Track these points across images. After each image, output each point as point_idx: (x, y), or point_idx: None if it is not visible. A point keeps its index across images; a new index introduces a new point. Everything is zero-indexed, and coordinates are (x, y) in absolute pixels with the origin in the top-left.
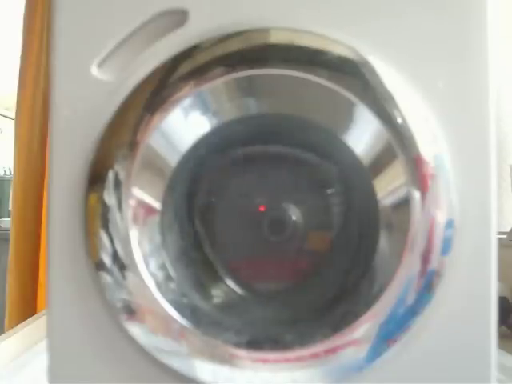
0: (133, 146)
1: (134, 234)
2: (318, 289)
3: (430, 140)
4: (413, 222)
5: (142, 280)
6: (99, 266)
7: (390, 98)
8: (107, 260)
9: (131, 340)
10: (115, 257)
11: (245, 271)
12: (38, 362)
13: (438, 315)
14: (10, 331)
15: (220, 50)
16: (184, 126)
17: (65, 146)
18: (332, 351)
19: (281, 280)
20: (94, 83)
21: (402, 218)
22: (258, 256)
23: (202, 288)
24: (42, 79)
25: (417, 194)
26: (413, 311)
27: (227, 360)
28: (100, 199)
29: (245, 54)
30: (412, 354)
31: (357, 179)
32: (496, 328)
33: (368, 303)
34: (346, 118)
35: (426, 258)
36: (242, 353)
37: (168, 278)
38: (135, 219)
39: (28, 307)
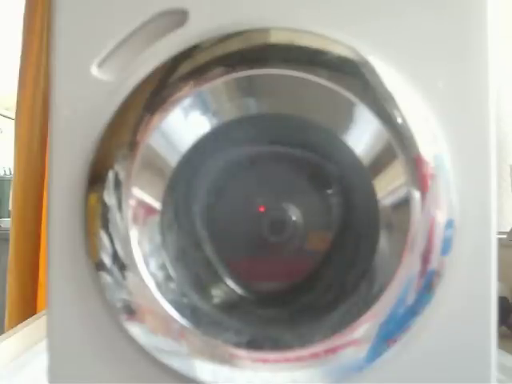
0: (133, 146)
1: (134, 234)
2: (318, 289)
3: (430, 140)
4: (413, 222)
5: (141, 280)
6: (99, 266)
7: (389, 98)
8: (107, 260)
9: (131, 340)
10: (115, 257)
11: (245, 271)
12: (38, 362)
13: (438, 315)
14: (10, 331)
15: (220, 50)
16: (184, 126)
17: (65, 146)
18: (332, 351)
19: (281, 280)
20: (94, 83)
21: (401, 218)
22: (257, 256)
23: (202, 288)
24: (42, 79)
25: (417, 194)
26: (413, 311)
27: (227, 360)
28: (100, 199)
29: (245, 54)
30: (412, 353)
31: (357, 179)
32: (496, 328)
33: (368, 303)
34: (345, 118)
35: (426, 258)
36: (241, 353)
37: (168, 277)
38: (135, 219)
39: (28, 307)
